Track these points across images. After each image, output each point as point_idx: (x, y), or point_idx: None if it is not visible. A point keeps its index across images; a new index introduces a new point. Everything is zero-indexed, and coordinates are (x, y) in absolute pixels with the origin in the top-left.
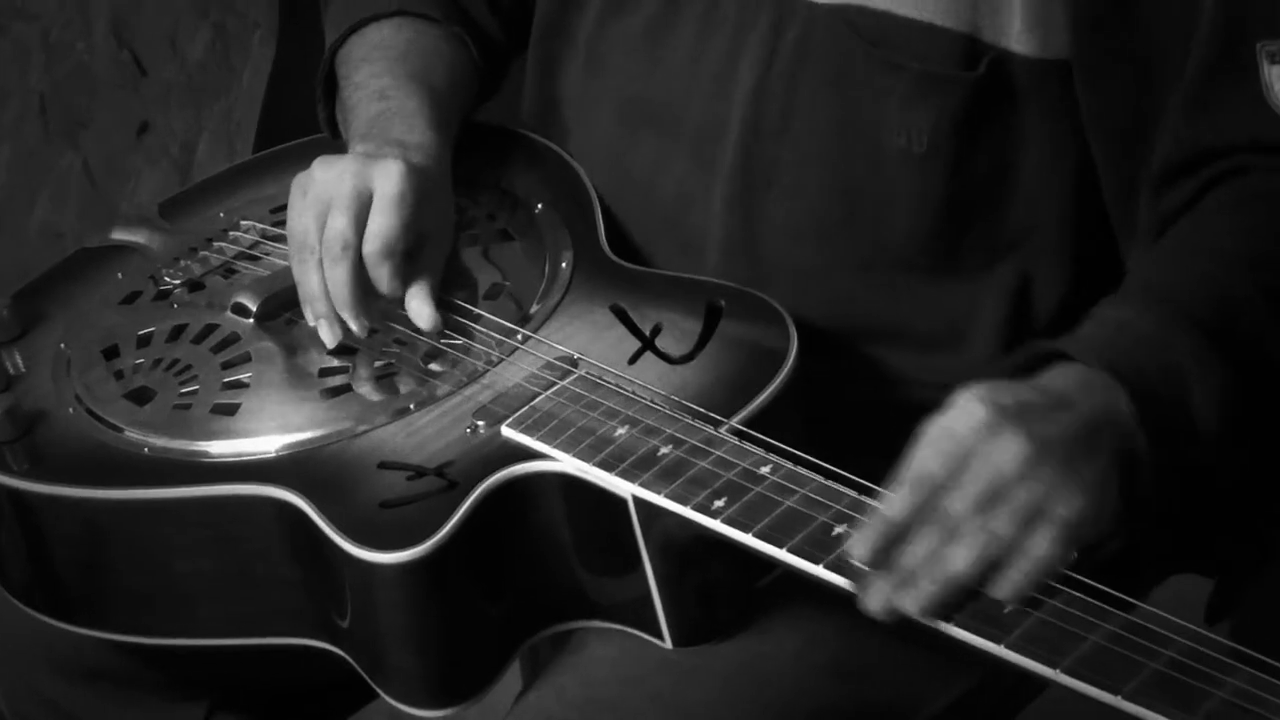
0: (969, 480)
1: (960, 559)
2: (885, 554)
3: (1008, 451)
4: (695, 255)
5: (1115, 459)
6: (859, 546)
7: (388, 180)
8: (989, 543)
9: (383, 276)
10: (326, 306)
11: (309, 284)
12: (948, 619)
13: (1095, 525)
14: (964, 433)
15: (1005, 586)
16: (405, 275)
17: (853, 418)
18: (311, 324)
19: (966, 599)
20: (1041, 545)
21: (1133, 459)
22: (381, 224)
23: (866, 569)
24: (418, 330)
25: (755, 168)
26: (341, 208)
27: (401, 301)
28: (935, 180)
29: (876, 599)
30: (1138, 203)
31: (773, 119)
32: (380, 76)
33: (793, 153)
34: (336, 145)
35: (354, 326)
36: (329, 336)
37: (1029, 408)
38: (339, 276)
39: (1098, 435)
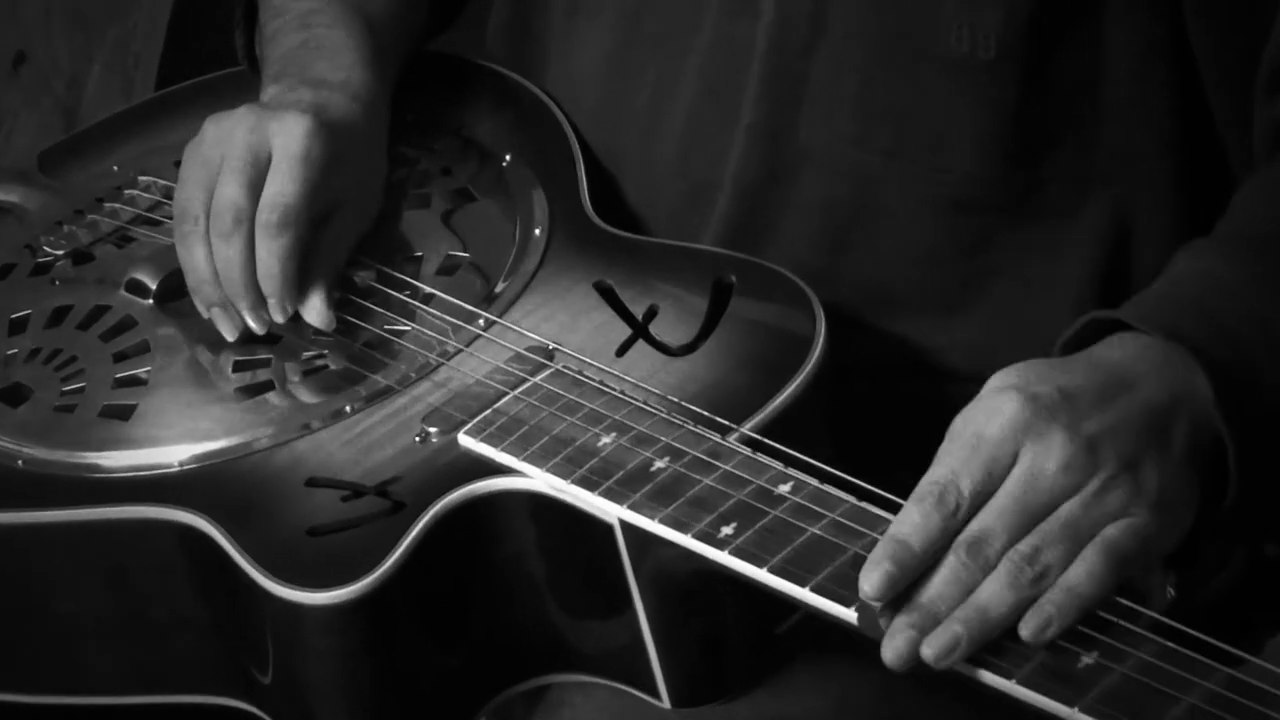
0: (1002, 494)
1: (994, 593)
2: (900, 588)
3: (1048, 457)
4: (705, 203)
5: (1190, 456)
6: (867, 579)
7: (289, 136)
8: (1028, 571)
9: (275, 254)
10: (217, 292)
11: (193, 264)
12: (1009, 675)
13: (1160, 547)
14: (994, 434)
15: (1030, 623)
16: (306, 255)
17: (895, 422)
18: (204, 315)
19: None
20: (1081, 575)
21: (1214, 454)
22: (279, 189)
23: (876, 606)
24: (357, 316)
25: (783, 89)
26: (232, 171)
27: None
28: (1007, 93)
29: (893, 646)
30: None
31: (801, 27)
32: None
33: (827, 68)
34: (258, 82)
35: (251, 321)
36: (227, 329)
37: (1073, 396)
38: (231, 256)
39: (1166, 424)
